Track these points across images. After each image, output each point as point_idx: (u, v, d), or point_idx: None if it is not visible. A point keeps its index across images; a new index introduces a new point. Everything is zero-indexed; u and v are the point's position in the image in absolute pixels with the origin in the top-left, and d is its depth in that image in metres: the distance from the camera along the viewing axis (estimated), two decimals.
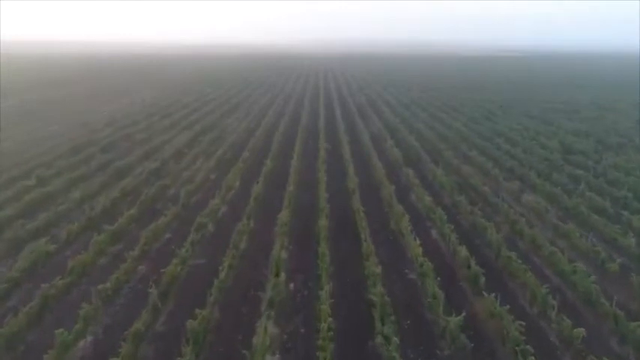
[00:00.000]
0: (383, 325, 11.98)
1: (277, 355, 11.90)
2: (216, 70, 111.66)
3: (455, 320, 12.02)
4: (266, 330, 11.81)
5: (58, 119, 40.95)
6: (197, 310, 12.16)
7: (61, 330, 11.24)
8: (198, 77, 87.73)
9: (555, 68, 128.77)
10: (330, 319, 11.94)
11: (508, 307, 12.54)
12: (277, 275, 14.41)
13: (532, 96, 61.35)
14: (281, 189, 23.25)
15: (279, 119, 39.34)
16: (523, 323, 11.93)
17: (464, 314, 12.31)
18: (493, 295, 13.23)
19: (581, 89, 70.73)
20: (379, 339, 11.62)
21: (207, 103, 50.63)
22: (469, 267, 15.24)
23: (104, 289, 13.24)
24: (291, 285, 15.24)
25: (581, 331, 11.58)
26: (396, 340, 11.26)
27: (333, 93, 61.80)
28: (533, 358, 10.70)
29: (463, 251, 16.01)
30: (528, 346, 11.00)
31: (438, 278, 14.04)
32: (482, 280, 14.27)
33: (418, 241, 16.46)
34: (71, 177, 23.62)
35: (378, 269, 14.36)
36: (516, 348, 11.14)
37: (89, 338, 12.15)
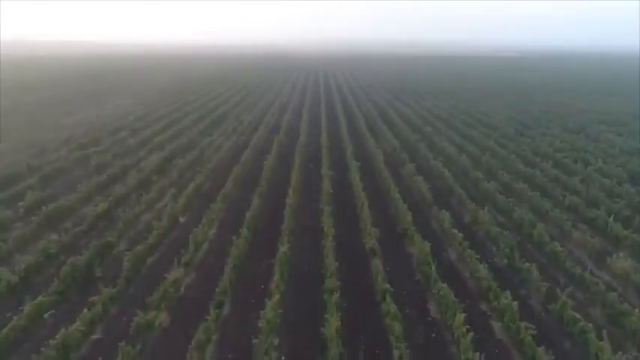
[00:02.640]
0: None
1: None
2: (211, 71, 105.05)
3: None
4: None
5: (12, 134, 34.35)
6: None
7: None
8: (189, 80, 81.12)
9: (566, 70, 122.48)
10: None
11: None
12: None
13: (560, 103, 54.97)
14: (271, 246, 16.77)
15: (273, 135, 32.83)
16: None
17: None
18: None
19: (608, 94, 64.48)
20: None
21: (189, 114, 43.99)
22: None
23: None
24: None
25: None
26: None
27: (335, 100, 55.32)
28: None
29: None
30: None
31: None
32: None
33: None
34: None
35: None
36: None
37: None
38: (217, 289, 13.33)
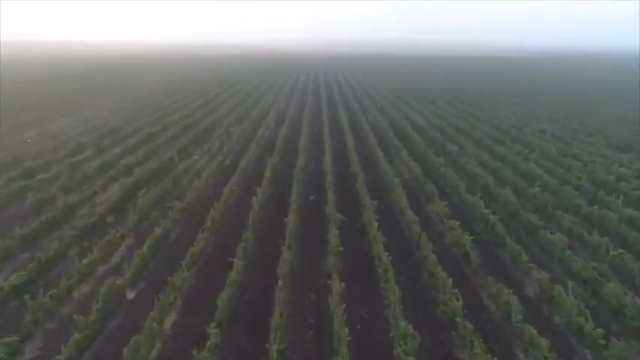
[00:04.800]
0: None
1: None
2: (209, 71, 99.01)
3: None
4: None
5: None
6: None
7: None
8: (186, 81, 75.15)
9: (573, 71, 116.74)
10: None
11: None
12: None
13: (586, 109, 49.35)
14: (255, 347, 10.97)
15: (266, 156, 27.02)
16: None
17: None
18: None
19: (628, 97, 59.24)
20: None
21: (174, 124, 38.11)
22: None
23: None
24: None
25: None
26: None
27: (339, 105, 49.48)
28: None
29: None
30: None
31: None
32: None
33: None
34: None
35: None
36: None
37: None
38: None
